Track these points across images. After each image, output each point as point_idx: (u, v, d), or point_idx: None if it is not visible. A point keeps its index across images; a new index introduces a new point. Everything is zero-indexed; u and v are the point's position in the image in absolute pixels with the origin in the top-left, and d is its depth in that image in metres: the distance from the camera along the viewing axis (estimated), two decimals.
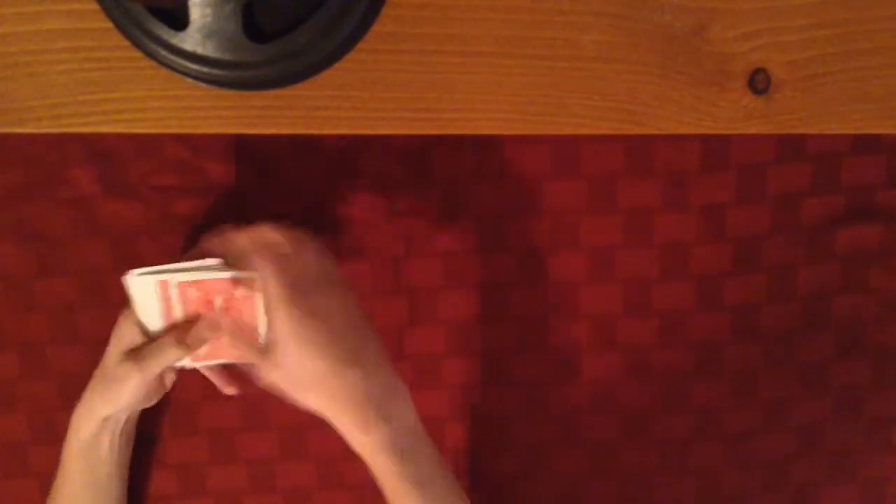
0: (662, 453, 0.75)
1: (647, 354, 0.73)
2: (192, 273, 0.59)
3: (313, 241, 0.60)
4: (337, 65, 0.59)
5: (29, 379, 0.70)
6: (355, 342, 0.57)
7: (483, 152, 0.69)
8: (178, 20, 0.57)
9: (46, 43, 0.58)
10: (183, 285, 0.59)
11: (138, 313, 0.61)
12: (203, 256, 0.59)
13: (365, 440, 0.57)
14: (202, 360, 0.63)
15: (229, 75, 0.58)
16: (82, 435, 0.63)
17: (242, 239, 0.59)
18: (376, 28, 0.59)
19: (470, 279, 0.71)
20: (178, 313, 0.61)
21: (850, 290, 0.73)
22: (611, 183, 0.70)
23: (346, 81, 0.60)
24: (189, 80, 0.59)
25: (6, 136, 0.64)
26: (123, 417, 0.65)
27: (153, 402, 0.66)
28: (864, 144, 0.70)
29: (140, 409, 0.66)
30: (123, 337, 0.62)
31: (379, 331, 0.60)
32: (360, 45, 0.59)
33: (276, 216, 0.68)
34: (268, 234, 0.59)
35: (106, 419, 0.63)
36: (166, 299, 0.60)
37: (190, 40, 0.57)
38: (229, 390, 0.67)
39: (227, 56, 0.57)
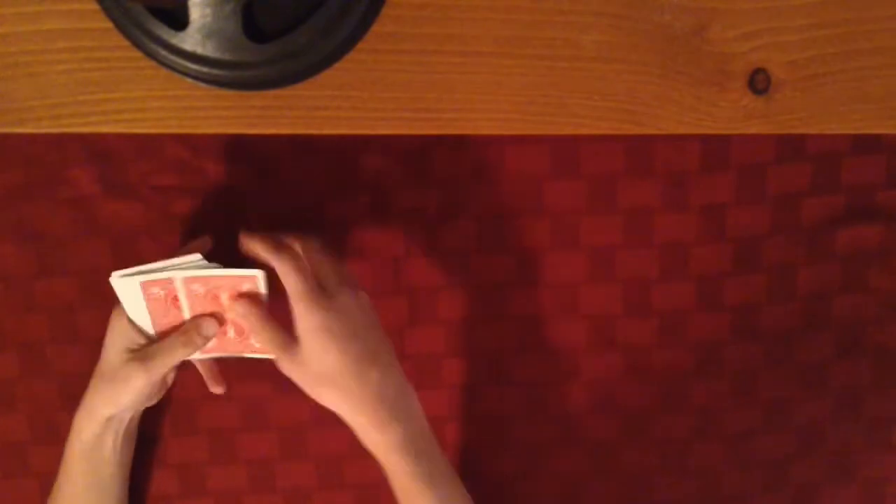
0: (662, 453, 0.75)
1: (647, 354, 0.73)
2: (174, 271, 0.59)
3: (325, 245, 0.61)
4: (337, 65, 0.59)
5: (29, 379, 0.70)
6: (374, 342, 0.59)
7: (483, 152, 0.69)
8: (178, 20, 0.57)
9: (46, 43, 0.58)
10: (188, 280, 0.60)
11: (129, 313, 0.61)
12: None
13: (379, 439, 0.58)
14: (210, 352, 0.64)
15: (229, 75, 0.58)
16: (84, 436, 0.63)
17: (255, 241, 0.59)
18: (376, 28, 0.59)
19: (470, 279, 0.71)
20: (170, 311, 0.61)
21: (850, 290, 0.73)
22: (611, 183, 0.70)
23: (346, 81, 0.60)
24: (189, 80, 0.59)
25: (6, 136, 0.64)
26: (127, 417, 0.65)
27: (155, 401, 0.66)
28: (864, 144, 0.70)
29: (142, 408, 0.66)
30: (120, 336, 0.62)
31: None
32: (360, 45, 0.59)
33: (276, 216, 0.68)
34: (281, 237, 0.60)
35: (109, 419, 0.63)
36: (152, 299, 0.61)
37: (190, 40, 0.57)
38: (217, 389, 0.67)
39: (227, 56, 0.57)
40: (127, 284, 0.60)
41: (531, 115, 0.61)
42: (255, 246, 0.59)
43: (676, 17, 0.60)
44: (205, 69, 0.58)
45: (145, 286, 0.60)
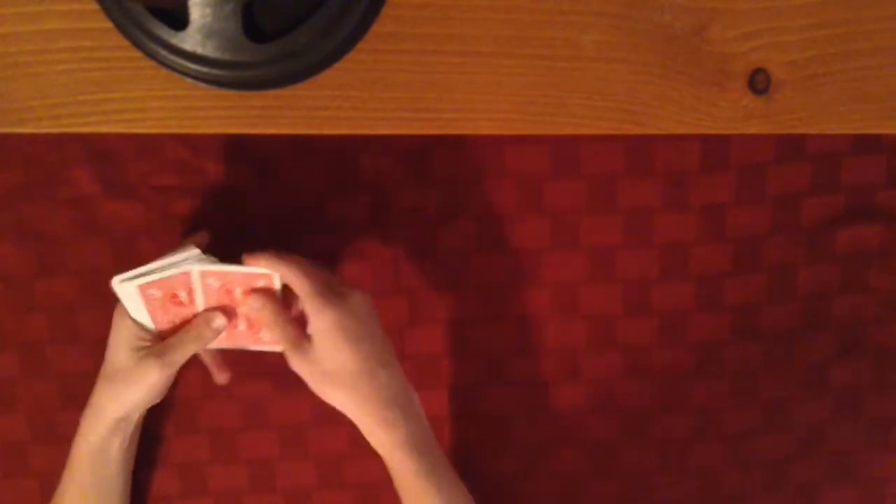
0: (662, 453, 0.75)
1: (647, 354, 0.73)
2: (188, 265, 0.60)
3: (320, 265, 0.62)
4: (337, 65, 0.59)
5: (29, 379, 0.70)
6: (383, 344, 0.60)
7: (483, 152, 0.69)
8: (178, 20, 0.57)
9: (46, 43, 0.58)
10: (205, 274, 0.60)
11: (132, 313, 0.62)
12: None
13: (384, 438, 0.59)
14: (219, 344, 0.64)
15: (229, 75, 0.58)
16: (92, 438, 0.63)
17: (259, 257, 0.60)
18: (376, 28, 0.59)
19: (470, 279, 0.71)
20: (170, 309, 0.62)
21: (850, 290, 0.73)
22: (611, 183, 0.70)
23: (345, 81, 0.60)
24: (189, 80, 0.59)
25: (6, 136, 0.64)
26: (135, 418, 0.65)
27: (160, 398, 0.66)
28: (864, 144, 0.70)
29: (149, 406, 0.66)
30: (126, 336, 0.62)
31: None
32: (360, 45, 0.59)
33: (276, 216, 0.69)
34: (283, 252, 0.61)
35: (118, 421, 0.63)
36: (151, 300, 0.61)
37: (190, 40, 0.57)
38: (222, 378, 0.68)
39: (227, 56, 0.57)
40: (127, 288, 0.60)
41: (531, 115, 0.61)
42: (259, 262, 0.60)
43: (676, 17, 0.60)
44: (205, 69, 0.58)
45: (143, 289, 0.60)
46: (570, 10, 0.59)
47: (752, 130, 0.63)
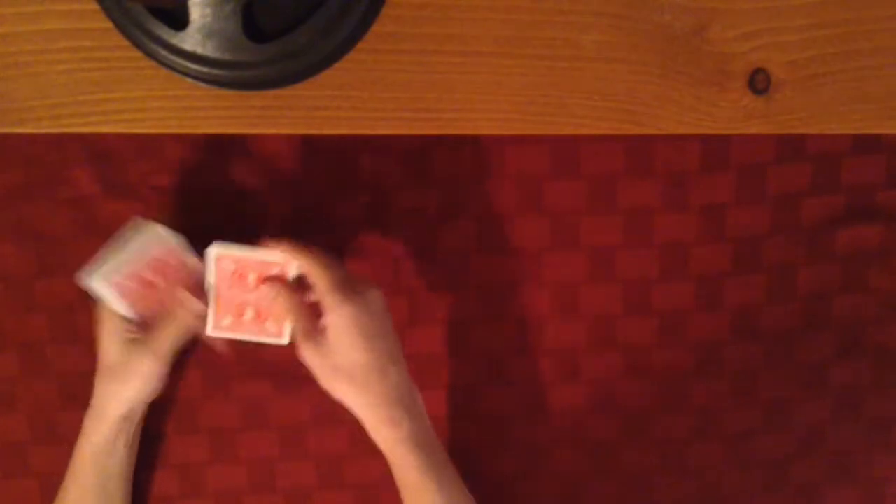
0: (662, 453, 0.75)
1: (647, 354, 0.73)
2: (137, 253, 0.60)
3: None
4: (337, 65, 0.59)
5: (29, 379, 0.70)
6: (395, 342, 0.61)
7: (483, 152, 0.69)
8: (178, 20, 0.57)
9: (46, 43, 0.58)
10: (220, 258, 0.61)
11: (111, 306, 0.62)
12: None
13: (389, 435, 0.59)
14: (224, 331, 0.64)
15: (229, 75, 0.58)
16: (95, 438, 0.64)
17: (280, 242, 0.60)
18: (376, 28, 0.59)
19: (470, 279, 0.71)
20: (147, 295, 0.61)
21: (850, 290, 0.73)
22: (611, 183, 0.70)
23: (346, 81, 0.60)
24: (189, 80, 0.59)
25: (6, 136, 0.64)
26: (137, 416, 0.65)
27: (160, 390, 0.65)
28: (864, 144, 0.70)
29: (149, 400, 0.66)
30: (113, 331, 0.62)
31: None
32: (360, 45, 0.59)
33: (276, 216, 0.68)
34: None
35: (121, 419, 0.63)
36: (126, 291, 0.61)
37: (190, 40, 0.57)
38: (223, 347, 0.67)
39: (227, 56, 0.57)
40: (96, 282, 0.60)
41: (531, 115, 0.61)
42: (280, 247, 0.60)
43: (676, 17, 0.60)
44: (205, 69, 0.58)
45: (113, 279, 0.60)
46: (570, 10, 0.59)
47: (752, 130, 0.63)
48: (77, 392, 0.66)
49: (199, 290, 0.63)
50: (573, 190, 0.70)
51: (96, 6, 0.57)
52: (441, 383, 0.72)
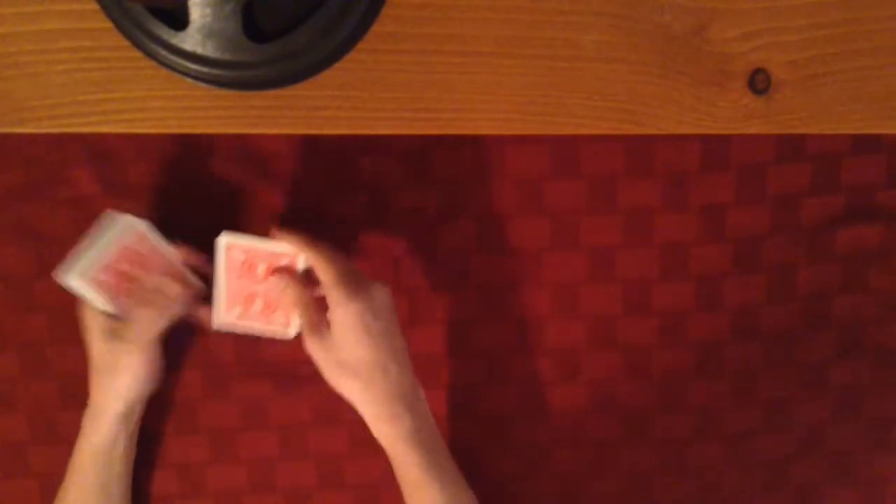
0: (662, 453, 0.75)
1: (647, 354, 0.73)
2: (109, 246, 0.60)
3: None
4: (337, 65, 0.59)
5: (29, 379, 0.70)
6: (399, 339, 0.61)
7: (483, 152, 0.69)
8: (178, 20, 0.57)
9: (46, 43, 0.58)
10: (230, 248, 0.61)
11: (91, 302, 0.62)
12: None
13: (390, 431, 0.60)
14: (236, 322, 0.64)
15: (229, 75, 0.58)
16: (95, 438, 0.64)
17: (289, 234, 0.61)
18: (376, 28, 0.59)
19: (470, 279, 0.71)
20: (123, 287, 0.61)
21: (850, 290, 0.73)
22: (611, 183, 0.70)
23: (346, 81, 0.60)
24: (189, 80, 0.59)
25: (6, 136, 0.64)
26: (136, 414, 0.65)
27: (155, 385, 0.65)
28: (864, 144, 0.70)
29: (146, 395, 0.66)
30: (97, 327, 0.62)
31: None
32: (360, 45, 0.59)
33: (276, 216, 0.68)
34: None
35: (121, 417, 0.63)
36: (102, 286, 0.61)
37: (190, 40, 0.57)
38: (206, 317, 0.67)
39: (227, 56, 0.57)
40: (72, 280, 0.60)
41: (531, 115, 0.61)
42: (289, 239, 0.60)
43: (676, 17, 0.60)
44: (205, 69, 0.58)
45: (92, 279, 0.60)
46: (570, 10, 0.59)
47: (752, 130, 0.63)
48: (77, 392, 0.66)
49: (176, 274, 0.63)
50: (573, 190, 0.70)
51: (96, 6, 0.57)
52: (441, 383, 0.72)
